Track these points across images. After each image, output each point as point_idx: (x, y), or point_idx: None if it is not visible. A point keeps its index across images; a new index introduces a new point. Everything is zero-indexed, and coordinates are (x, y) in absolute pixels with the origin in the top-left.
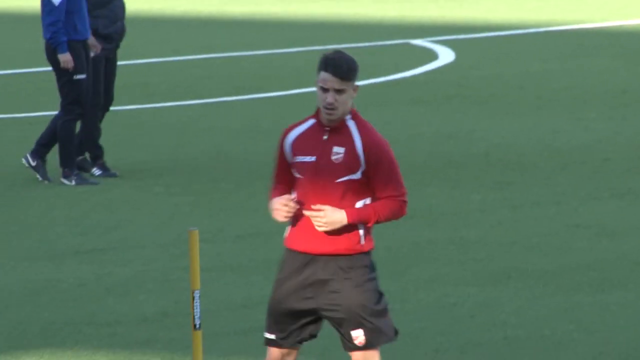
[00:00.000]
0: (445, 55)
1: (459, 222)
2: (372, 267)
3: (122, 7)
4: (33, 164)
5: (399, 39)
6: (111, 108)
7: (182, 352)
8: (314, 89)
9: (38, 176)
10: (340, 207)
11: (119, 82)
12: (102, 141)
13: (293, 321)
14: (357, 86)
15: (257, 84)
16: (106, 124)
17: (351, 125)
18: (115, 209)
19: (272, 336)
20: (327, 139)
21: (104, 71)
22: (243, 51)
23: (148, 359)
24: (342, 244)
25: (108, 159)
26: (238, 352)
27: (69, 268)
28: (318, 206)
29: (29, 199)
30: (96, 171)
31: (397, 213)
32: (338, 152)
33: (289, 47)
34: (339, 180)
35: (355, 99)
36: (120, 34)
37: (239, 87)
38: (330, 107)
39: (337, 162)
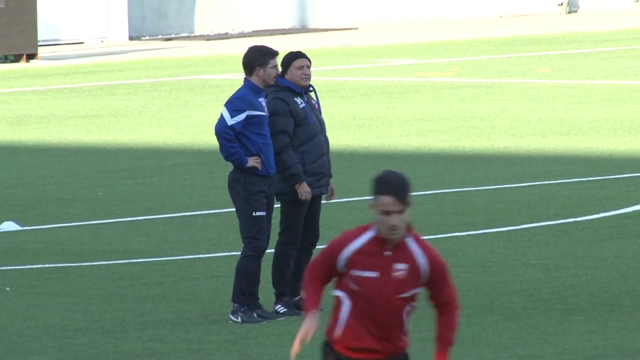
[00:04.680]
0: None
1: None
2: None
3: (326, 141)
4: (238, 319)
5: (630, 173)
6: None
7: None
8: (541, 223)
9: (264, 322)
10: (397, 317)
11: (348, 219)
12: None
13: None
14: (411, 200)
15: (487, 218)
16: None
17: (410, 242)
18: None
19: None
20: (391, 255)
21: (308, 208)
22: (473, 186)
23: None
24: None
25: None
26: None
27: None
28: None
29: (260, 336)
30: (280, 308)
31: (458, 317)
32: (400, 268)
33: (519, 182)
34: (400, 295)
35: (589, 233)
36: (327, 168)
37: (468, 222)
38: (394, 229)
39: (398, 278)
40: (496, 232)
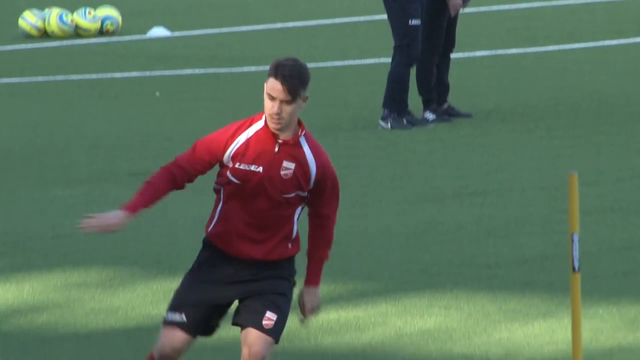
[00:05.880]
0: None
1: None
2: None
3: None
4: (388, 125)
5: None
6: (494, 52)
7: (562, 294)
8: None
9: (413, 128)
10: (280, 220)
11: (503, 27)
12: (486, 85)
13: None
14: (307, 96)
15: (639, 27)
16: (489, 69)
17: (303, 142)
18: (497, 151)
19: (181, 318)
20: (279, 152)
21: (447, 17)
22: None
23: (527, 300)
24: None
25: (489, 102)
26: (617, 294)
27: (450, 210)
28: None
29: (410, 142)
30: (429, 115)
31: (332, 238)
32: (288, 167)
33: None
34: (285, 195)
35: None
36: None
37: (620, 30)
38: (277, 117)
39: (285, 177)
40: None
